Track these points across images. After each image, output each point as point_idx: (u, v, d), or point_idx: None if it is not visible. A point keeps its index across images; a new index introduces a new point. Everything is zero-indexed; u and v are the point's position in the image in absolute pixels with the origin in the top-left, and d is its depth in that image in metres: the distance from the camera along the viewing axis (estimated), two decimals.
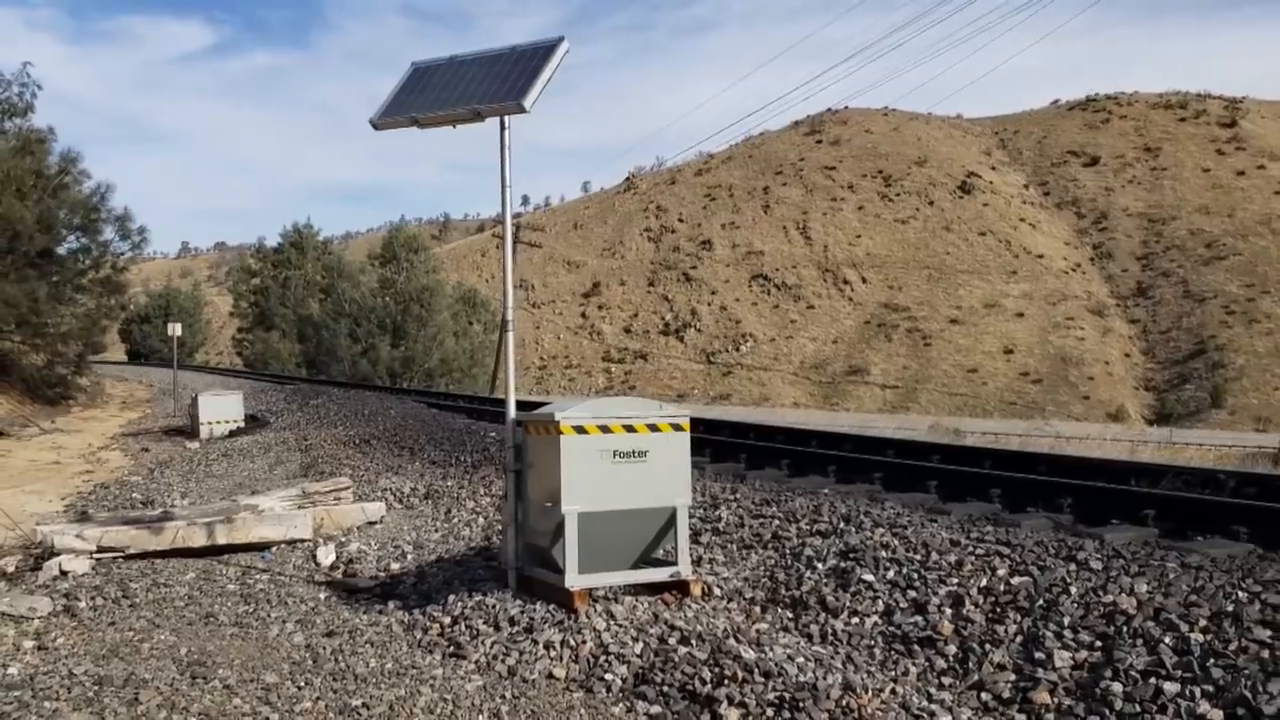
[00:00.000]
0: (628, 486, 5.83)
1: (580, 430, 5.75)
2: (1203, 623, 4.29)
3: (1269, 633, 4.11)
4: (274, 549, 8.12)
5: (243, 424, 19.41)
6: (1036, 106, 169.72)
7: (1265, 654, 3.99)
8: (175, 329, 27.93)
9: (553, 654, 5.20)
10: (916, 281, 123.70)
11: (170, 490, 11.85)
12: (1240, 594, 4.47)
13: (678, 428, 6.04)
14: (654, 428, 5.94)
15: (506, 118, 6.12)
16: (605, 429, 5.81)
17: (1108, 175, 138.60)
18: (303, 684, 4.97)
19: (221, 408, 19.39)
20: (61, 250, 28.77)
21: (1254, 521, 5.69)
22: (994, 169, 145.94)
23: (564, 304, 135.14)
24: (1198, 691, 3.90)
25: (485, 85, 6.12)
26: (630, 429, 5.89)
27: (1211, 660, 4.04)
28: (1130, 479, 7.47)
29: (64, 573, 7.17)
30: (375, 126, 6.60)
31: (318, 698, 4.75)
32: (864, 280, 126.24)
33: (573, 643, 5.26)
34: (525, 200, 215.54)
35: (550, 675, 5.04)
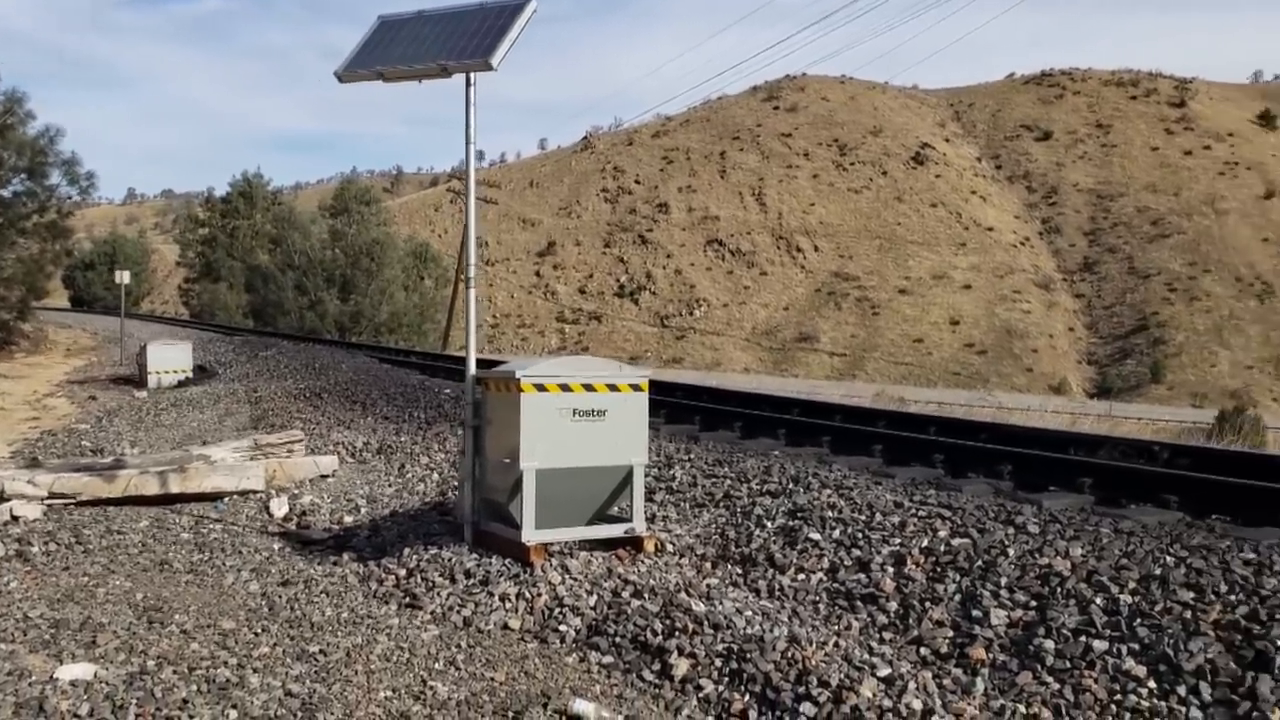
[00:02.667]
0: (586, 444, 5.95)
1: (541, 388, 5.85)
2: (1132, 585, 4.50)
3: (1192, 594, 4.34)
4: (227, 499, 8.14)
5: (191, 374, 19.23)
6: (992, 79, 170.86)
7: (1188, 614, 4.21)
8: (124, 277, 27.43)
9: (508, 606, 5.32)
10: (867, 251, 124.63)
11: (120, 439, 11.76)
12: (1168, 558, 4.70)
13: (636, 388, 6.15)
14: (613, 388, 6.05)
15: (473, 75, 6.14)
16: (565, 388, 5.91)
17: (1059, 150, 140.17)
18: (260, 630, 5.04)
19: (170, 357, 19.19)
20: (5, 193, 28.08)
21: (1184, 491, 5.95)
22: (948, 141, 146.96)
23: (518, 262, 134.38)
24: (1124, 649, 4.11)
25: (452, 42, 6.12)
26: (590, 388, 5.99)
27: (1138, 620, 4.25)
28: (1069, 448, 7.72)
29: (15, 518, 7.15)
30: (340, 79, 6.58)
31: (275, 644, 4.83)
32: (816, 249, 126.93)
33: (528, 595, 5.38)
34: (481, 156, 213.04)
35: (505, 626, 5.16)
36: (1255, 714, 3.61)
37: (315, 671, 4.50)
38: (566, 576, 5.56)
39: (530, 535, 5.75)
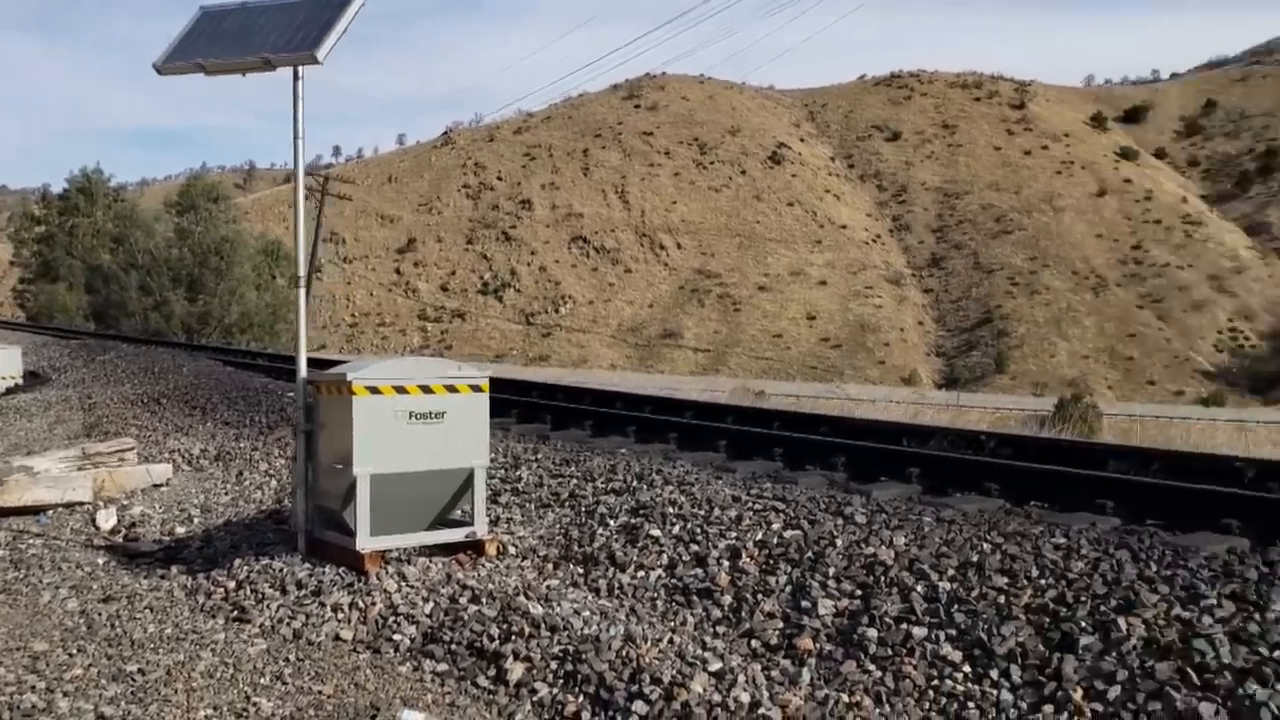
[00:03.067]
0: (423, 448, 5.84)
1: (374, 391, 5.72)
2: (951, 572, 4.67)
3: (1006, 580, 4.52)
4: (50, 512, 7.71)
5: (21, 380, 18.12)
6: (844, 81, 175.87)
7: (1001, 599, 4.39)
8: None
9: (340, 616, 5.19)
10: (728, 249, 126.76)
11: None
12: (985, 545, 4.90)
13: (476, 389, 6.08)
14: (452, 389, 5.96)
15: (300, 68, 5.96)
16: (401, 390, 5.80)
17: (908, 150, 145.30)
18: (75, 651, 4.79)
19: None
20: None
21: (1005, 479, 6.21)
22: (803, 141, 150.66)
23: (377, 260, 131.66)
24: (942, 635, 4.26)
25: (278, 34, 5.93)
26: (427, 390, 5.89)
27: (956, 606, 4.42)
28: (902, 439, 7.99)
29: None
30: (159, 71, 6.29)
31: (90, 664, 4.60)
32: (679, 246, 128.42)
33: (361, 605, 5.26)
34: (337, 151, 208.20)
35: (337, 637, 5.03)
36: (1060, 694, 3.78)
37: (131, 692, 4.30)
38: (403, 584, 5.45)
39: (365, 543, 5.61)
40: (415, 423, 5.81)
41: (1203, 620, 3.96)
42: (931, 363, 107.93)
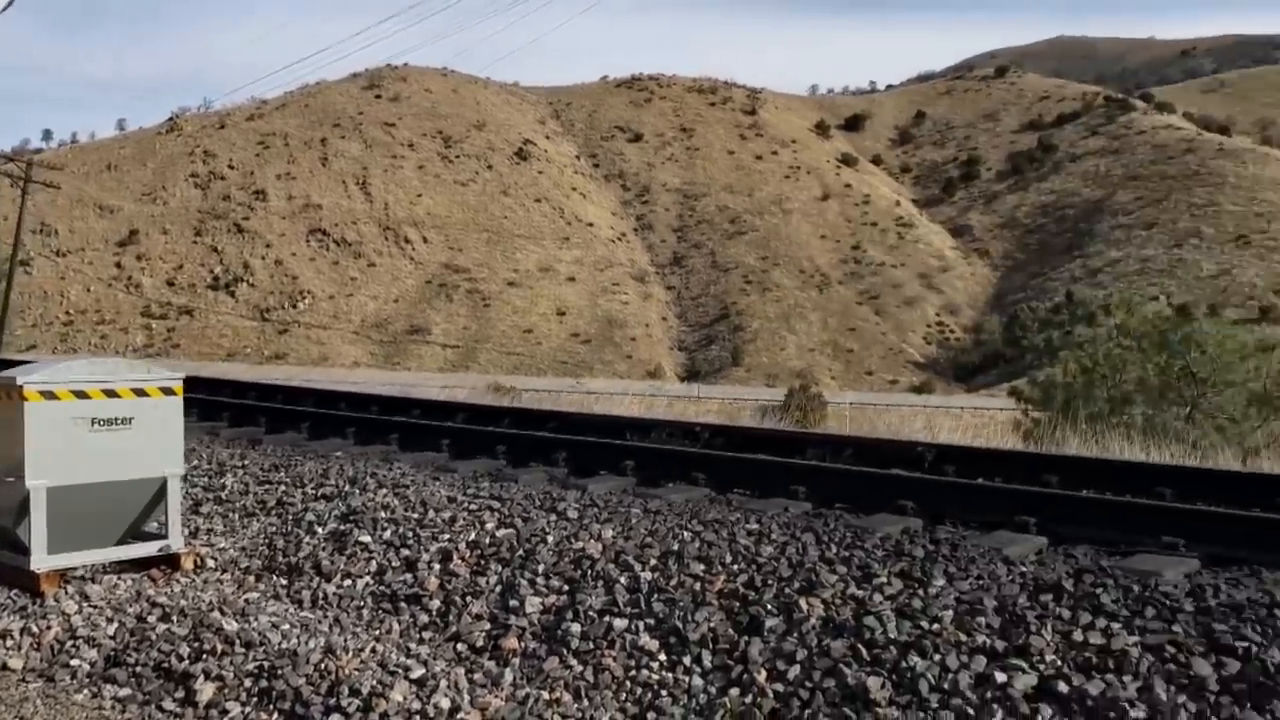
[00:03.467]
0: (109, 457, 5.43)
1: (50, 396, 5.26)
2: (653, 562, 4.81)
3: (702, 567, 4.70)
4: None
5: None
6: (588, 80, 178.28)
7: (698, 586, 4.56)
8: None
9: (9, 644, 4.75)
10: (476, 244, 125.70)
11: None
12: (685, 534, 5.07)
13: (169, 391, 5.71)
14: (140, 392, 5.58)
15: None
16: (81, 394, 5.36)
17: (649, 151, 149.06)
18: None
19: None
20: None
21: (711, 468, 6.47)
22: (548, 138, 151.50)
23: (95, 253, 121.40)
24: (642, 625, 4.37)
25: None
26: (112, 394, 5.48)
27: (656, 596, 4.54)
28: (625, 433, 8.17)
29: None
30: None
31: None
32: (425, 240, 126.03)
33: (35, 629, 4.83)
34: (48, 135, 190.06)
35: (4, 667, 4.60)
36: (745, 676, 3.96)
37: None
38: (85, 604, 5.05)
39: (41, 561, 5.15)
40: (99, 430, 5.39)
41: (874, 598, 4.26)
42: (675, 357, 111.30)
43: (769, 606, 4.31)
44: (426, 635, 4.65)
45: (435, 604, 4.85)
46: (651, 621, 4.39)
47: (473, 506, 5.78)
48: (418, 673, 4.23)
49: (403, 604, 4.92)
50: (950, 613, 4.05)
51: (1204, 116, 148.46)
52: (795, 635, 4.10)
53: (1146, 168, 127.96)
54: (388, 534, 5.60)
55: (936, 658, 3.81)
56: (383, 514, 5.84)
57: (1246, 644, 3.62)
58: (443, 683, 4.15)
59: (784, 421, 14.64)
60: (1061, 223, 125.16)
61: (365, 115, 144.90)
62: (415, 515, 5.77)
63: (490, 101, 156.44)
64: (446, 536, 5.43)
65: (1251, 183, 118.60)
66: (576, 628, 4.42)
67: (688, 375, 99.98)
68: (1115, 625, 3.83)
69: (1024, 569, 4.44)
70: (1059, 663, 3.66)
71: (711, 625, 4.27)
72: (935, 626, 4.00)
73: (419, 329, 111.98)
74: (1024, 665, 3.66)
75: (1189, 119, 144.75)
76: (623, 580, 4.69)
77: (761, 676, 3.93)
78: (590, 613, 4.50)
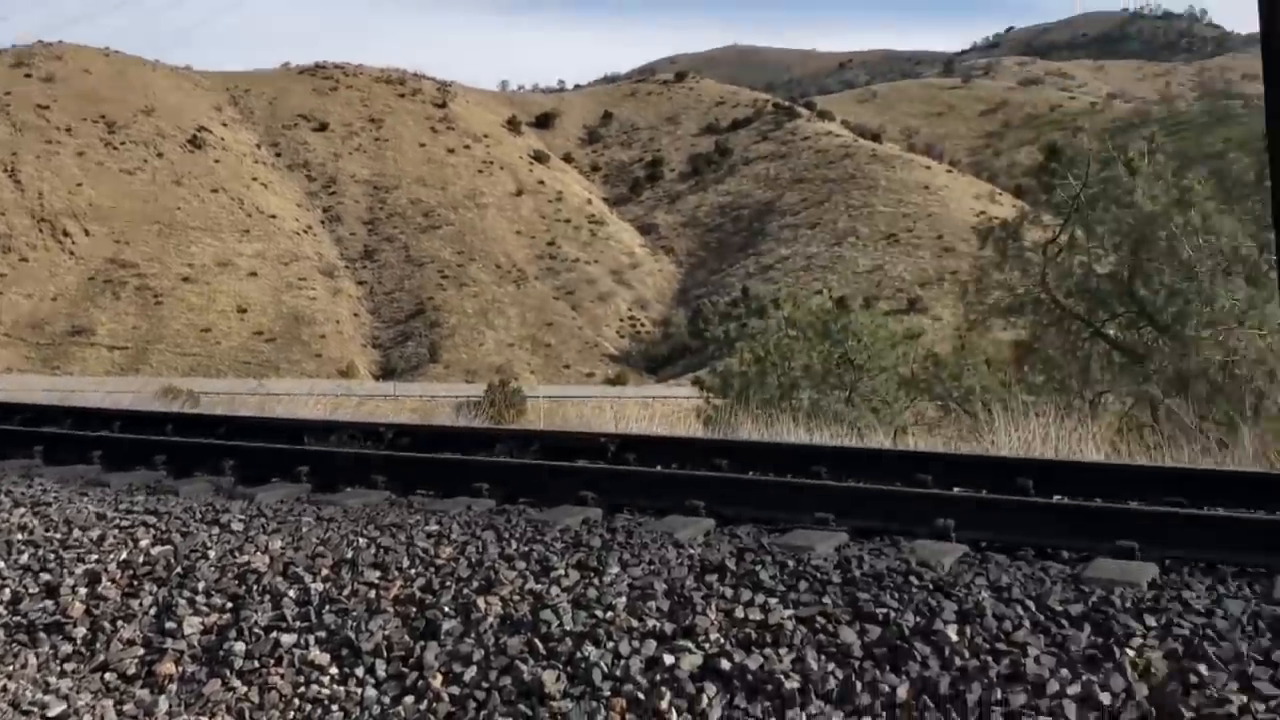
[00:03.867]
0: None
1: None
2: (325, 572, 4.61)
3: (378, 574, 4.56)
4: None
5: None
6: (269, 67, 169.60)
7: (372, 594, 4.42)
8: None
9: None
10: (146, 237, 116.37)
11: None
12: (361, 540, 4.90)
13: None
14: None
15: None
16: None
17: (336, 142, 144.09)
18: None
19: None
20: None
21: (393, 470, 6.29)
22: (225, 126, 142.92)
23: None
24: (312, 639, 4.19)
25: None
26: None
27: (328, 607, 4.36)
28: (303, 436, 7.79)
29: None
30: None
31: None
32: (87, 233, 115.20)
33: None
34: None
35: None
36: (420, 682, 3.88)
37: None
38: None
39: None
40: None
41: (551, 591, 4.30)
42: (369, 354, 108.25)
43: (446, 609, 4.25)
44: (69, 667, 4.23)
45: (80, 631, 4.42)
46: (323, 634, 4.21)
47: (125, 523, 5.31)
48: (57, 709, 3.85)
49: (41, 634, 4.45)
50: (623, 599, 4.15)
51: (859, 124, 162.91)
52: (473, 636, 4.07)
53: (810, 171, 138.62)
54: (25, 557, 5.04)
55: (610, 645, 3.90)
56: (19, 536, 5.26)
57: (886, 610, 3.96)
58: (86, 717, 3.79)
59: (479, 418, 14.55)
60: (737, 222, 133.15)
61: (13, 96, 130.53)
62: (58, 536, 5.23)
63: (160, 86, 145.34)
64: (94, 557, 4.96)
65: (900, 186, 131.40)
66: (241, 646, 4.17)
67: (383, 373, 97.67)
68: (773, 600, 4.07)
69: (692, 551, 4.63)
70: (722, 641, 3.84)
71: (386, 633, 4.15)
72: (609, 614, 4.09)
73: (82, 329, 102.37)
74: (690, 646, 3.82)
75: (846, 126, 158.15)
76: (291, 593, 4.47)
77: (437, 681, 3.87)
78: (256, 630, 4.26)
